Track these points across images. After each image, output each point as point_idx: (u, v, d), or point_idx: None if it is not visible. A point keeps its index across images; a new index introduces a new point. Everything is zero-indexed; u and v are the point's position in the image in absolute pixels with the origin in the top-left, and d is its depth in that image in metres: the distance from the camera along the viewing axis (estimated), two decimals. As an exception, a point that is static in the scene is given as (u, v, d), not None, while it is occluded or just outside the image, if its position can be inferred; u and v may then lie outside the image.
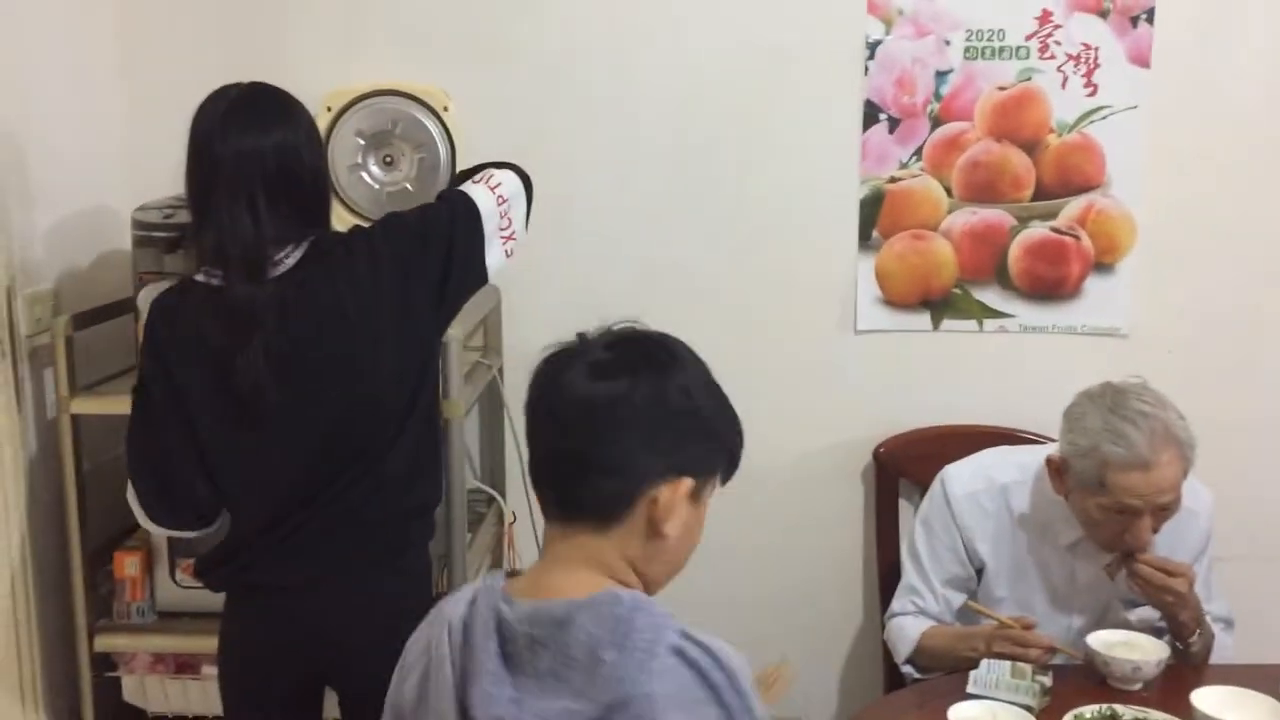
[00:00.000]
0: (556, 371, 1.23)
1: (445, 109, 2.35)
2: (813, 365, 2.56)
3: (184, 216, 1.89)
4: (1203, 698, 1.73)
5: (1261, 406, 2.54)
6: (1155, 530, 1.90)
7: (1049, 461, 1.99)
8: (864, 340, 2.55)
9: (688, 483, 1.22)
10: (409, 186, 2.34)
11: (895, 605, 2.19)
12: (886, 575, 2.45)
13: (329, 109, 2.33)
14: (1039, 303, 2.52)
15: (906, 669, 2.12)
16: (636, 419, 1.19)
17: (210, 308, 1.67)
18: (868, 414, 2.55)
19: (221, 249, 1.65)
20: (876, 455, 2.53)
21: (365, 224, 2.29)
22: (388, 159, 2.36)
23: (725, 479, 1.31)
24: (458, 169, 2.23)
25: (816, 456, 2.59)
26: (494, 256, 1.85)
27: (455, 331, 1.99)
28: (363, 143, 2.33)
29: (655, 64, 2.46)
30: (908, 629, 2.12)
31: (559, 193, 2.29)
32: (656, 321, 2.29)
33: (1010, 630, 1.90)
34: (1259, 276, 2.51)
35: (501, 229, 1.85)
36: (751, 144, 2.49)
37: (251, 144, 1.66)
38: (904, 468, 2.51)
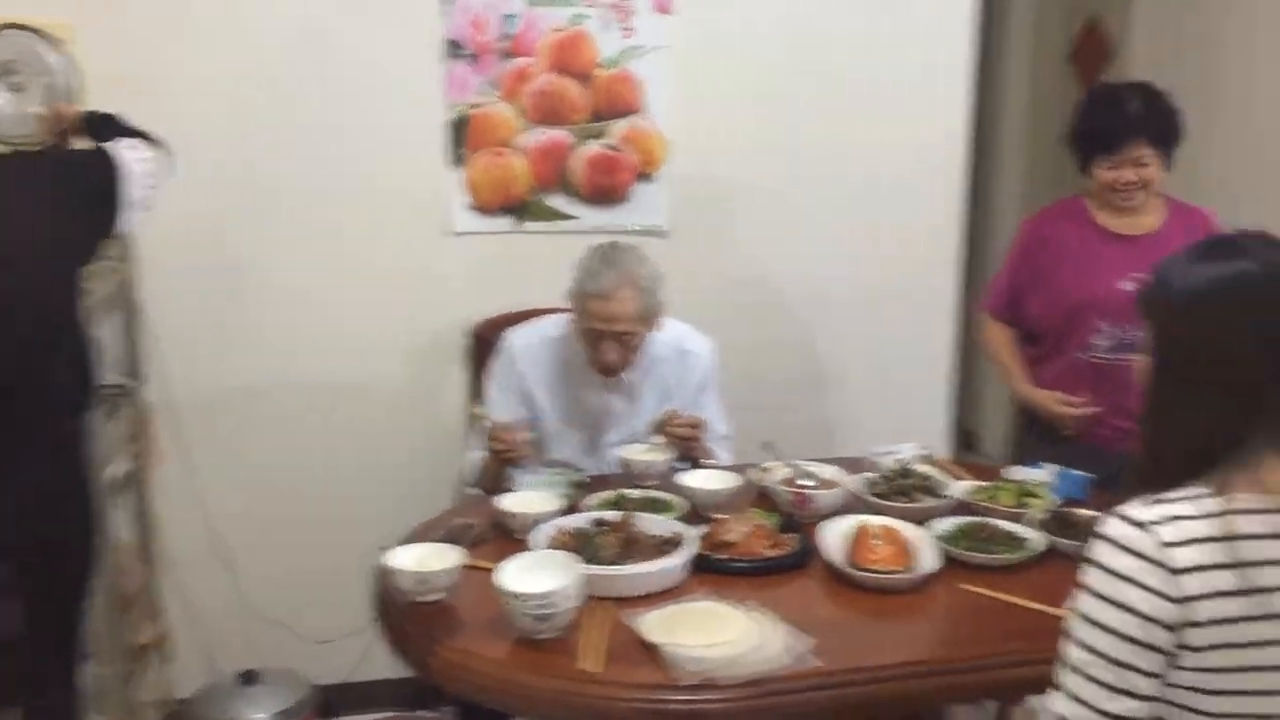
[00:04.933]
0: None
1: (67, 41, 2.63)
2: (419, 265, 3.05)
3: None
4: (692, 475, 2.37)
5: (765, 292, 3.27)
6: (622, 357, 2.50)
7: (569, 298, 2.56)
8: (461, 241, 3.06)
9: None
10: (39, 110, 2.61)
11: (470, 444, 2.71)
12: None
13: (-47, 38, 2.56)
14: (598, 206, 3.12)
15: (472, 490, 2.61)
16: None
17: None
18: (464, 303, 3.06)
19: None
20: (473, 335, 3.05)
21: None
22: (16, 86, 2.61)
23: None
24: (84, 98, 2.56)
25: (426, 340, 3.09)
26: (129, 217, 2.37)
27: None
28: (-12, 70, 2.58)
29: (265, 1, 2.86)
30: (475, 459, 2.64)
31: (176, 116, 2.65)
32: (281, 236, 2.91)
33: (494, 430, 2.47)
34: (769, 182, 3.22)
35: (140, 196, 2.37)
36: (352, 76, 2.92)
37: None
38: (495, 345, 3.04)
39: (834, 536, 2.13)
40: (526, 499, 2.26)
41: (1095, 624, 1.31)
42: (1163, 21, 3.72)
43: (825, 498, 2.29)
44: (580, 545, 2.03)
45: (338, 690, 3.06)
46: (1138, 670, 1.29)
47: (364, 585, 2.10)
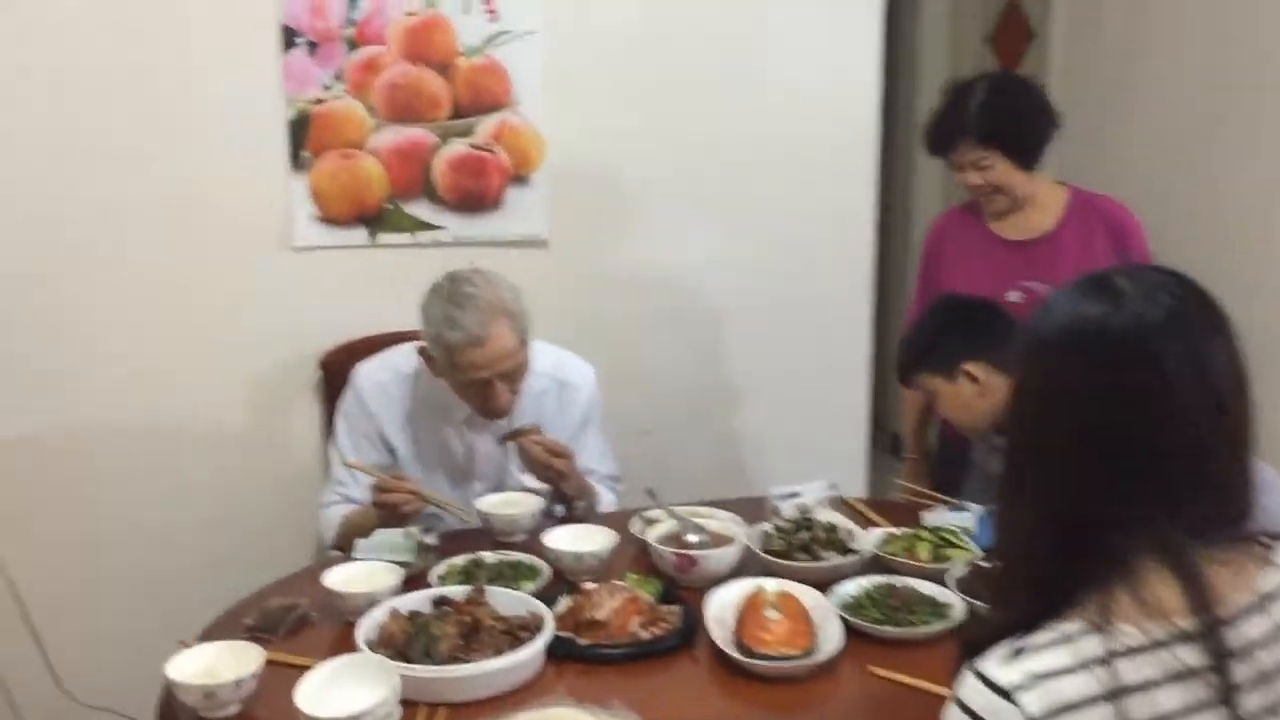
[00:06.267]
0: None
1: None
2: (252, 286, 2.65)
3: None
4: (555, 536, 2.02)
5: (663, 301, 2.93)
6: (512, 392, 2.16)
7: (420, 352, 2.21)
8: (303, 257, 2.67)
9: None
10: None
11: (324, 497, 2.34)
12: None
13: None
14: (466, 214, 2.75)
15: (334, 553, 2.28)
16: None
17: None
18: (312, 328, 2.68)
19: None
20: (322, 365, 2.67)
21: None
22: None
23: None
24: None
25: (267, 373, 2.70)
26: None
27: None
28: None
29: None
30: (333, 517, 2.28)
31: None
32: (90, 259, 2.36)
33: (379, 480, 2.11)
34: (661, 181, 2.87)
35: None
36: (172, 69, 2.52)
37: None
38: (349, 375, 2.66)
39: (723, 608, 1.80)
40: (358, 573, 1.90)
41: None
42: (1084, 1, 3.43)
43: (713, 560, 1.95)
44: (412, 636, 1.67)
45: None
46: None
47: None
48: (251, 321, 2.65)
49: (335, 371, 2.66)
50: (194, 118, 2.54)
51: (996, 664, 1.01)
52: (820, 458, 2.95)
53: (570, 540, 2.01)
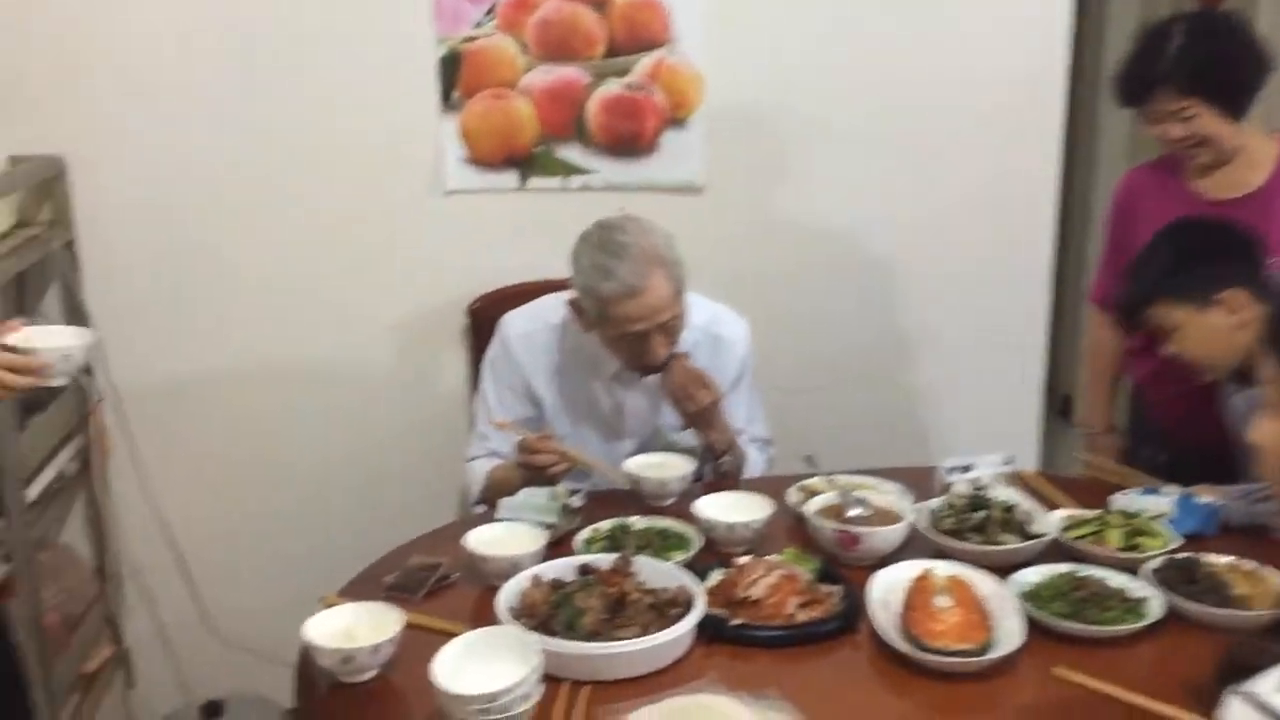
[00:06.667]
0: None
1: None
2: (405, 229, 2.58)
3: None
4: (706, 501, 1.90)
5: (824, 253, 2.75)
6: (669, 345, 2.03)
7: (570, 304, 2.10)
8: (454, 200, 2.59)
9: None
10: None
11: (470, 450, 2.27)
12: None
13: None
14: (619, 159, 2.62)
15: (479, 508, 2.21)
16: None
17: None
18: (460, 274, 2.60)
19: None
20: (470, 312, 2.60)
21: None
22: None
23: None
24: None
25: (417, 316, 2.64)
26: None
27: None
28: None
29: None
30: (478, 470, 2.21)
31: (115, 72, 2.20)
32: (240, 204, 2.29)
33: (525, 440, 2.01)
34: (819, 132, 2.68)
35: None
36: (322, 11, 2.45)
37: None
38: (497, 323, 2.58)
39: (888, 591, 1.65)
40: (501, 534, 1.81)
41: None
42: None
43: (879, 538, 1.80)
44: (555, 607, 1.58)
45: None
46: None
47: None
48: (401, 266, 2.59)
49: (483, 319, 2.58)
50: (345, 59, 2.47)
51: (1267, 686, 0.85)
52: (992, 424, 2.76)
53: (723, 508, 1.88)
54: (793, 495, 1.99)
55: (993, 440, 2.23)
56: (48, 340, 1.56)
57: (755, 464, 2.24)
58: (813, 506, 1.88)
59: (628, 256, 1.96)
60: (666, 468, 2.05)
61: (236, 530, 2.65)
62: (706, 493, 1.95)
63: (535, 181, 2.61)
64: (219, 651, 2.67)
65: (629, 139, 2.61)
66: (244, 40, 2.43)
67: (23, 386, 1.52)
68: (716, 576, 1.70)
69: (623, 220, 2.04)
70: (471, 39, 2.51)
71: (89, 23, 2.38)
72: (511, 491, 2.00)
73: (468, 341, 2.63)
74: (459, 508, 2.58)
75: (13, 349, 1.51)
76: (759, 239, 2.70)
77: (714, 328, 2.23)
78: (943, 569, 1.69)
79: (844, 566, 1.77)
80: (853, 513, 1.86)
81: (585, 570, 1.68)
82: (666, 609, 1.59)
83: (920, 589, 1.63)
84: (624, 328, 1.98)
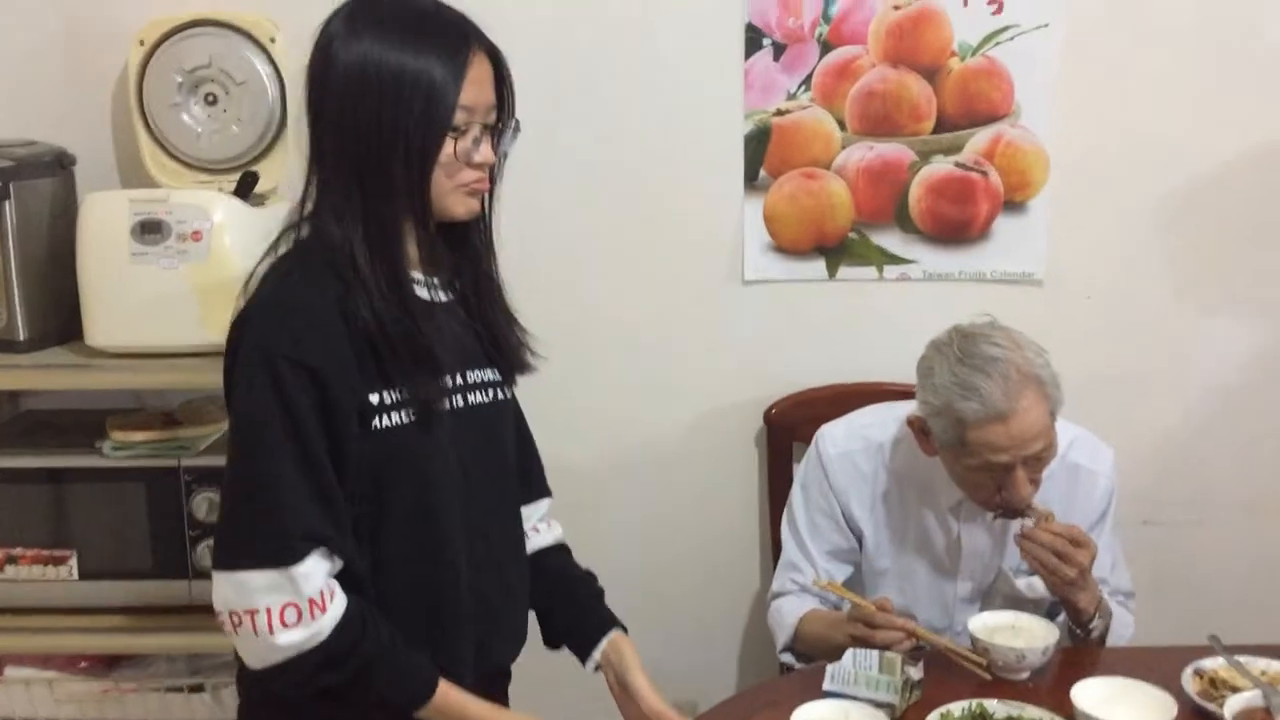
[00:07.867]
0: None
1: (273, 40, 2.10)
2: (698, 321, 2.33)
3: None
4: (1085, 691, 1.52)
5: (1186, 355, 2.33)
6: (1034, 482, 1.68)
7: (910, 422, 1.77)
8: (753, 291, 2.31)
9: None
10: (234, 128, 2.10)
11: (776, 584, 1.97)
12: (780, 546, 2.25)
13: (141, 42, 2.09)
14: (944, 247, 2.29)
15: (785, 657, 1.90)
16: None
17: None
18: (758, 372, 2.32)
19: None
20: (768, 417, 2.31)
21: (184, 167, 2.11)
22: (210, 97, 2.11)
23: None
24: (287, 106, 2.04)
25: (705, 420, 2.36)
26: None
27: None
28: (180, 80, 2.09)
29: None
30: (786, 613, 1.90)
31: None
32: (531, 277, 1.96)
33: (861, 610, 1.68)
34: (1183, 214, 2.28)
35: None
36: (625, 78, 2.24)
37: None
38: (798, 430, 2.28)
39: None
40: (830, 714, 1.49)
41: None
42: None
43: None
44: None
45: None
46: None
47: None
48: (691, 363, 2.33)
49: (781, 425, 2.30)
50: (650, 134, 2.25)
51: None
52: None
53: (1105, 700, 1.49)
54: (1187, 679, 1.59)
55: None
56: None
57: (1124, 624, 1.84)
58: (1231, 709, 1.47)
59: (997, 373, 1.62)
60: (1022, 633, 1.68)
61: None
62: (1070, 668, 1.56)
63: (846, 271, 2.30)
64: None
65: (957, 225, 2.27)
66: (555, 100, 2.23)
67: None
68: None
69: (989, 328, 1.71)
70: (783, 112, 2.24)
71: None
72: (829, 651, 1.68)
73: (763, 450, 2.33)
74: (742, 641, 2.29)
75: None
76: (1109, 338, 2.31)
77: (1071, 455, 1.85)
78: None
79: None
80: (1285, 721, 1.44)
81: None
82: None
83: None
84: (985, 457, 1.63)
